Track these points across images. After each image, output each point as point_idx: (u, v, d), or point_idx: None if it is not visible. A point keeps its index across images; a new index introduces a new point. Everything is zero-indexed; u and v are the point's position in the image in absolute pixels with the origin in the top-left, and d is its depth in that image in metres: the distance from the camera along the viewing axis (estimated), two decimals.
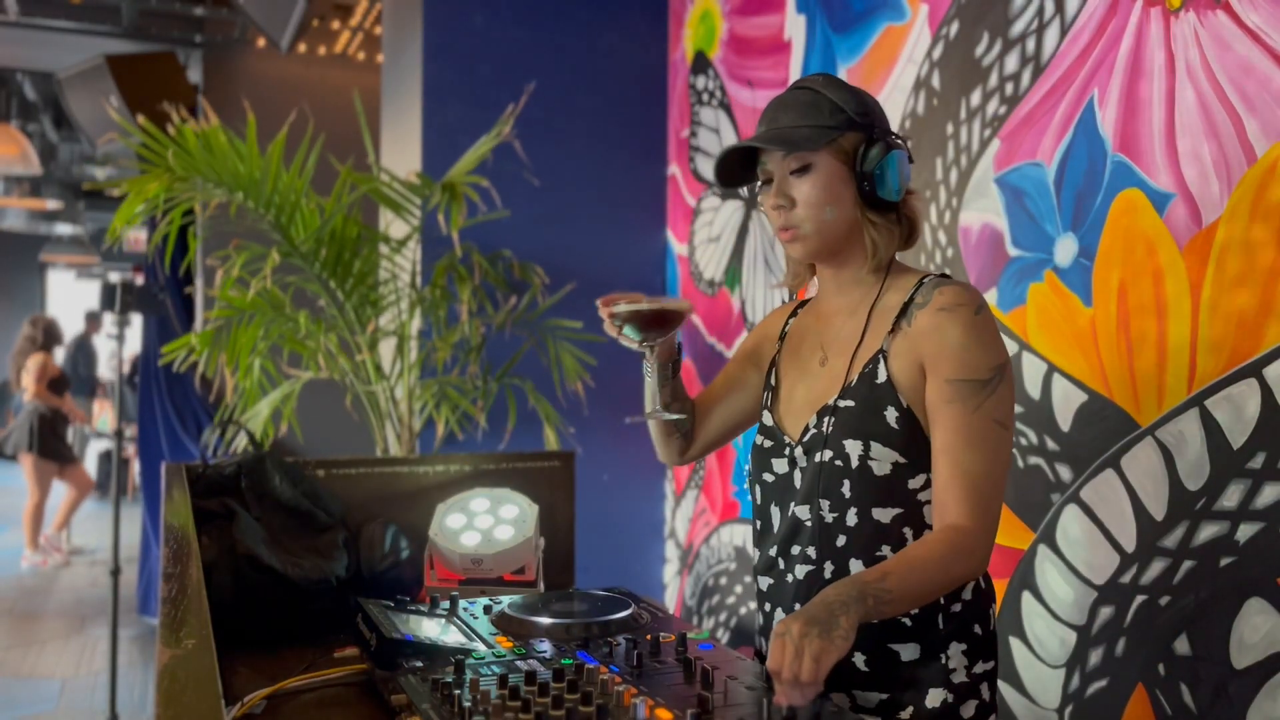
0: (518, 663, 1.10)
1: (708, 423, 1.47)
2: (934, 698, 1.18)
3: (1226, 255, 1.45)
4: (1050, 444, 1.74)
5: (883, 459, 1.17)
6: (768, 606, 1.30)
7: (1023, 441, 1.79)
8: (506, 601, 1.33)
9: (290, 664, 1.30)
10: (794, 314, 1.40)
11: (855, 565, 1.19)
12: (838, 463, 1.19)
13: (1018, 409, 1.79)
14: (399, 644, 1.13)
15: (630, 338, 1.29)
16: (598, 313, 1.30)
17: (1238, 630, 1.42)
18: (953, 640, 1.19)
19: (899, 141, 1.22)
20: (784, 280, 1.36)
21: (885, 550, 1.18)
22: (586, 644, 1.18)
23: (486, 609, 1.32)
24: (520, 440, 2.95)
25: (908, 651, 1.19)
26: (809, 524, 1.22)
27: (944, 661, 1.19)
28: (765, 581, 1.30)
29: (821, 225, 1.22)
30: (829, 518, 1.20)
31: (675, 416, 1.37)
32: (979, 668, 1.21)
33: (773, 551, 1.27)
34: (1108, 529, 1.63)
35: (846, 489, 1.19)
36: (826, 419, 1.21)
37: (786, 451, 1.26)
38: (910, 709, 1.18)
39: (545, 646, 1.17)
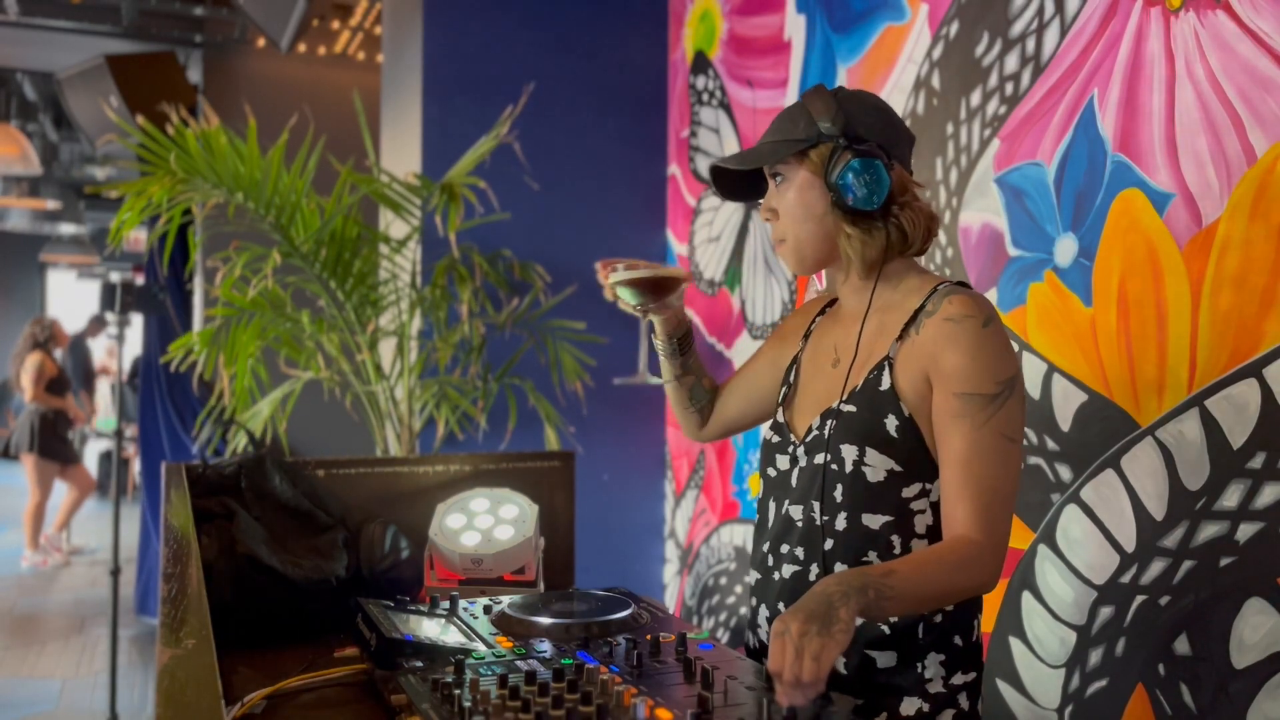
0: (518, 663, 1.10)
1: (728, 403, 1.50)
2: (908, 706, 1.18)
3: (1226, 255, 1.45)
4: (1050, 444, 1.74)
5: (878, 466, 1.17)
6: (754, 601, 1.31)
7: (1023, 441, 1.79)
8: (506, 601, 1.33)
9: (290, 664, 1.30)
10: (822, 312, 1.41)
11: (840, 570, 1.19)
12: (833, 466, 1.19)
13: None
14: (399, 644, 1.13)
15: (627, 301, 1.34)
16: (601, 299, 1.34)
17: (1238, 630, 1.42)
18: (931, 650, 1.19)
19: (873, 149, 1.19)
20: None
21: (872, 556, 1.18)
22: (586, 644, 1.18)
23: (486, 609, 1.32)
24: (520, 440, 2.95)
25: (884, 659, 1.18)
26: (800, 524, 1.23)
27: (920, 671, 1.18)
28: (754, 576, 1.31)
29: (799, 238, 1.25)
30: (819, 520, 1.20)
31: (657, 381, 1.41)
32: (958, 679, 1.20)
33: (765, 547, 1.28)
34: (1108, 529, 1.63)
35: (839, 493, 1.19)
36: (828, 421, 1.21)
37: (790, 449, 1.27)
38: (884, 715, 1.18)
39: (545, 646, 1.17)
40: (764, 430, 1.36)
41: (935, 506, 1.18)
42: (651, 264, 1.32)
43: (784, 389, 1.37)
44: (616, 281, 1.32)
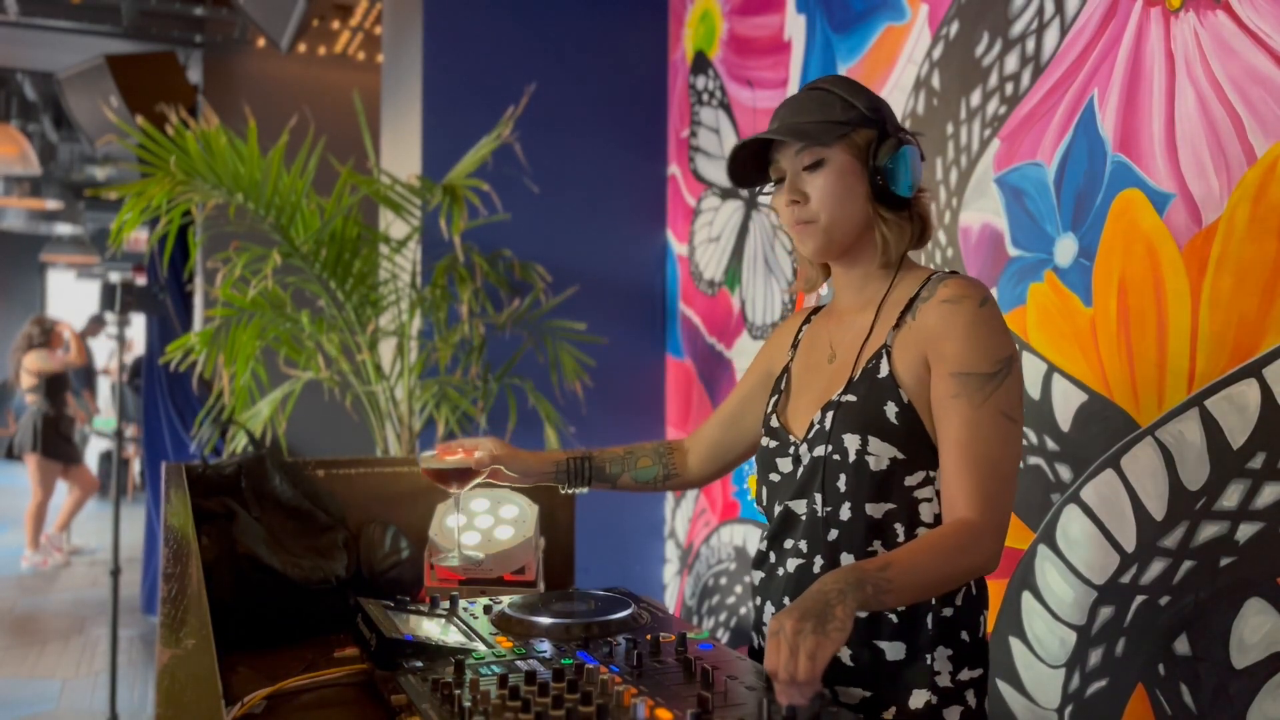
0: (518, 663, 1.10)
1: (722, 444, 1.50)
2: (917, 699, 1.17)
3: (1226, 255, 1.45)
4: (1050, 444, 1.74)
5: (880, 454, 1.17)
6: (758, 600, 1.31)
7: (1023, 441, 1.79)
8: (506, 601, 1.33)
9: (290, 664, 1.30)
10: (807, 320, 1.41)
11: (846, 560, 1.19)
12: (835, 457, 1.19)
13: None
14: (399, 644, 1.13)
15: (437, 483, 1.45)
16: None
17: (1238, 630, 1.42)
18: (939, 644, 1.18)
19: (910, 138, 1.22)
20: (795, 285, 1.37)
21: (877, 546, 1.18)
22: (586, 644, 1.18)
23: (486, 609, 1.33)
24: (520, 440, 2.93)
25: (892, 650, 1.18)
26: (802, 517, 1.22)
27: (929, 663, 1.18)
28: (757, 575, 1.30)
29: (833, 221, 1.22)
30: (822, 511, 1.20)
31: (455, 564, 1.49)
32: (965, 674, 1.19)
33: (764, 545, 1.28)
34: (1108, 529, 1.63)
35: (842, 483, 1.18)
36: (829, 414, 1.21)
37: (791, 450, 1.26)
38: (894, 709, 1.18)
39: (545, 646, 1.17)
40: (761, 439, 1.35)
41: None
42: (467, 452, 1.41)
43: (775, 397, 1.36)
44: (424, 469, 1.43)
